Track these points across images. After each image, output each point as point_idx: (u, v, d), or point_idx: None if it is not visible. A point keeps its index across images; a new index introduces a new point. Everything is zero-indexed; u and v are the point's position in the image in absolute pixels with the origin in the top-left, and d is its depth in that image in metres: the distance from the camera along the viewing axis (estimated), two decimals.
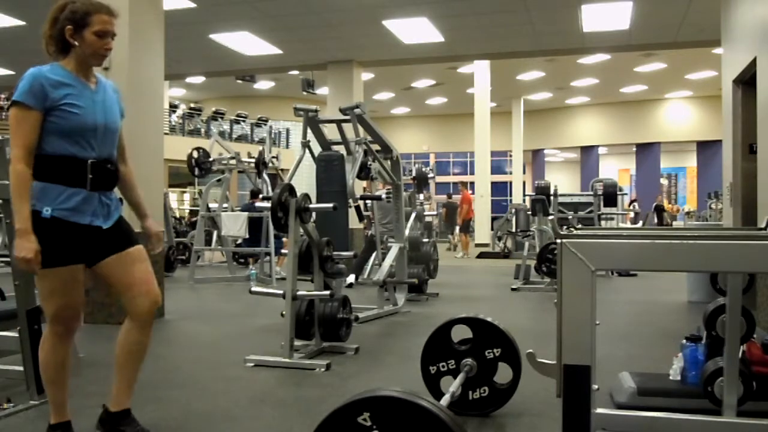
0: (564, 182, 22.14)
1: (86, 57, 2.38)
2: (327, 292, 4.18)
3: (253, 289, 4.52)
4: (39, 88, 2.25)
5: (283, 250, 7.87)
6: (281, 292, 4.17)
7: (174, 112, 21.00)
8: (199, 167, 9.40)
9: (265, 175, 9.57)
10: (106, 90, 2.48)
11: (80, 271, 2.41)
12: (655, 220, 18.45)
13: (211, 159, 9.48)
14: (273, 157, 9.78)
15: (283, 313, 4.12)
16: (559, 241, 1.79)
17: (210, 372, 3.96)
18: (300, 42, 9.63)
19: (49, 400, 2.53)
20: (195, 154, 9.39)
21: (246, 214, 9.33)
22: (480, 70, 18.21)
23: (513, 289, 8.15)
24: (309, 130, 6.29)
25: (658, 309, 6.68)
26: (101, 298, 5.53)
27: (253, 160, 9.46)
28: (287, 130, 22.93)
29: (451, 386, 2.73)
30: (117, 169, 2.53)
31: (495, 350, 2.95)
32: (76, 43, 2.35)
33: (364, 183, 9.92)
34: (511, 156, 23.80)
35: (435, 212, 17.50)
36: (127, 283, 2.47)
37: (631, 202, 20.61)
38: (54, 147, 2.30)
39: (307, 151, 6.61)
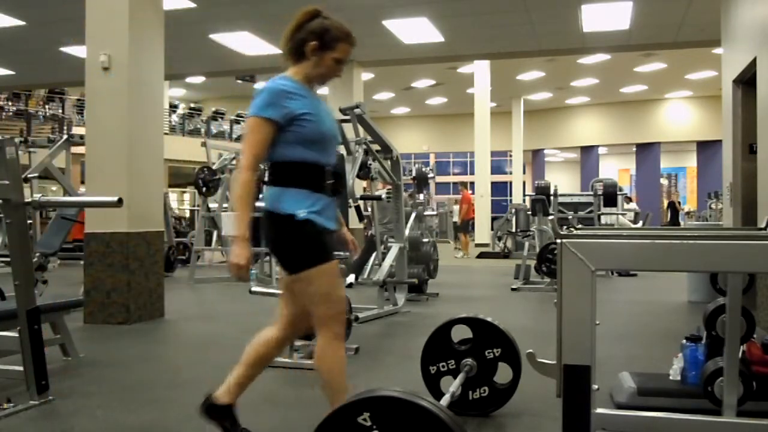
0: (564, 182, 22.13)
1: (316, 75, 2.39)
2: None
3: (253, 288, 4.51)
4: (278, 100, 2.27)
5: None
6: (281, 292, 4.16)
7: (174, 112, 21.01)
8: (206, 186, 9.42)
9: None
10: (320, 100, 2.49)
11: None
12: (669, 218, 18.11)
13: (217, 177, 9.51)
14: None
15: None
16: (559, 241, 1.79)
17: (210, 372, 3.96)
18: None
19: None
20: (201, 174, 9.41)
21: None
22: (480, 70, 18.21)
23: (513, 289, 8.15)
24: None
25: (658, 309, 6.68)
26: (101, 298, 5.54)
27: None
28: None
29: (451, 386, 2.73)
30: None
31: (495, 350, 2.95)
32: (314, 59, 2.36)
33: (364, 183, 9.92)
34: (511, 156, 23.80)
35: (434, 212, 17.49)
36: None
37: (626, 199, 20.46)
38: (298, 154, 2.31)
39: None
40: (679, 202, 19.50)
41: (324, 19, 2.38)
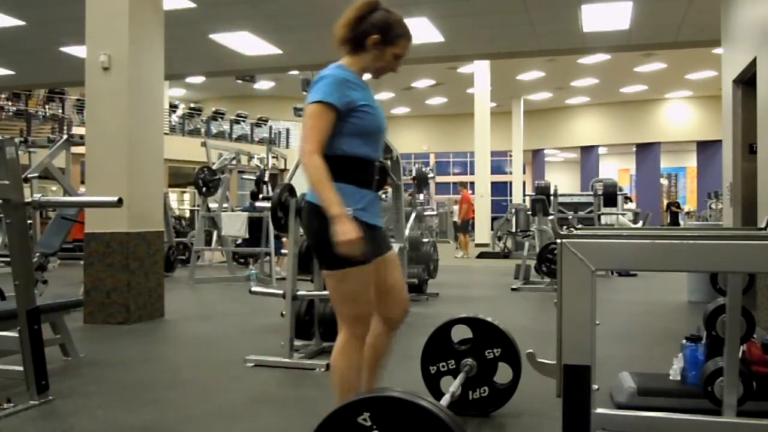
0: (564, 182, 22.14)
1: (373, 68, 2.38)
2: (327, 292, 4.17)
3: (253, 289, 4.51)
4: (341, 88, 2.25)
5: (282, 250, 7.88)
6: (281, 292, 4.17)
7: (174, 112, 21.01)
8: (206, 186, 9.43)
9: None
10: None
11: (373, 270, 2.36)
12: (668, 220, 18.03)
13: (217, 177, 9.52)
14: (273, 157, 9.80)
15: (283, 313, 4.12)
16: (559, 241, 1.79)
17: (210, 372, 3.96)
18: (300, 42, 9.62)
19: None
20: (201, 174, 9.42)
21: (246, 214, 9.34)
22: (480, 70, 18.21)
23: (513, 289, 8.15)
24: None
25: (658, 309, 6.68)
26: (101, 298, 5.54)
27: (252, 164, 9.53)
28: (287, 130, 22.93)
29: (451, 386, 2.73)
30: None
31: (495, 350, 2.95)
32: (374, 52, 2.34)
33: None
34: (511, 156, 23.81)
35: (434, 212, 17.49)
36: (386, 289, 2.44)
37: (625, 199, 20.36)
38: (351, 147, 2.28)
39: None
40: (678, 203, 19.42)
41: (386, 12, 2.36)
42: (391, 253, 2.48)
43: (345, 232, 2.12)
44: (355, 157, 2.29)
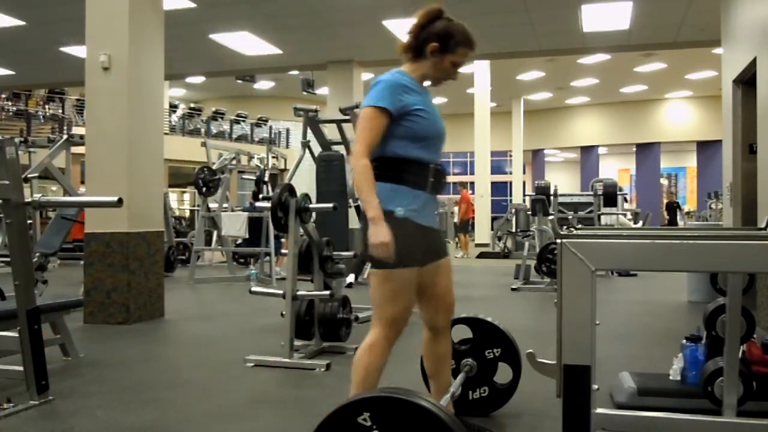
0: (564, 182, 22.13)
1: (431, 75, 2.42)
2: (327, 292, 4.18)
3: (253, 289, 4.51)
4: (395, 92, 2.29)
5: (283, 250, 7.88)
6: (281, 292, 4.17)
7: (174, 112, 21.00)
8: (206, 186, 9.43)
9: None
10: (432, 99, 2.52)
11: (417, 273, 2.37)
12: (666, 220, 17.93)
13: (217, 177, 9.52)
14: (273, 157, 9.80)
15: (283, 313, 4.12)
16: (559, 241, 1.79)
17: (210, 372, 3.96)
18: (300, 42, 9.63)
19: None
20: (201, 174, 9.41)
21: (246, 214, 9.35)
22: (480, 70, 18.20)
23: (513, 289, 8.15)
24: (309, 130, 6.29)
25: (658, 309, 6.68)
26: (101, 298, 5.54)
27: (252, 164, 9.53)
28: (287, 130, 22.92)
29: (451, 386, 2.73)
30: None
31: (495, 350, 2.95)
32: (433, 60, 2.38)
33: None
34: (511, 156, 23.79)
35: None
36: (433, 294, 2.47)
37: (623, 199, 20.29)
38: (404, 150, 2.32)
39: (307, 151, 6.61)
40: (677, 203, 19.34)
41: (448, 21, 2.39)
42: (446, 259, 2.51)
43: (378, 234, 2.18)
44: (409, 159, 2.34)
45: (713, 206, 15.12)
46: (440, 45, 2.35)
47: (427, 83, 2.46)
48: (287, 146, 22.07)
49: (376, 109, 2.28)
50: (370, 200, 2.22)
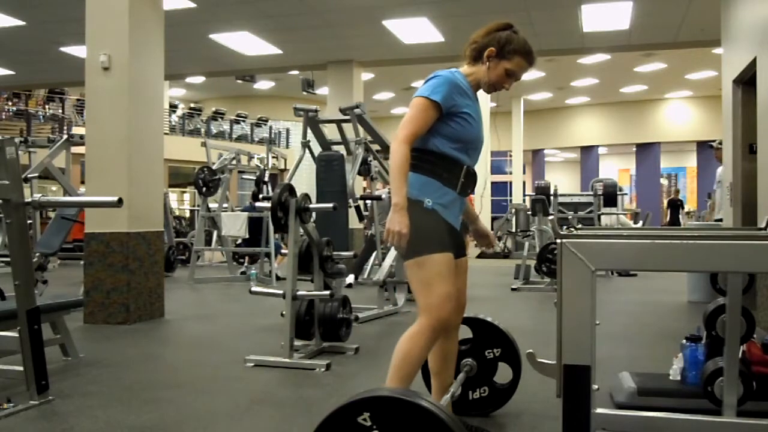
0: (564, 182, 22.13)
1: (484, 80, 2.47)
2: (327, 292, 4.18)
3: (253, 289, 4.51)
4: (450, 90, 2.33)
5: (282, 250, 7.88)
6: (281, 292, 4.17)
7: (174, 112, 21.00)
8: (206, 186, 9.43)
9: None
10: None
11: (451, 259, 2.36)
12: (668, 218, 17.79)
13: (217, 177, 9.52)
14: (273, 157, 9.80)
15: (283, 313, 4.12)
16: (559, 241, 1.79)
17: (210, 372, 3.96)
18: (300, 42, 9.63)
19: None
20: (201, 174, 9.42)
21: (246, 214, 9.35)
22: None
23: (513, 289, 8.15)
24: (309, 130, 6.29)
25: (658, 309, 6.68)
26: (101, 298, 5.54)
27: (252, 164, 9.53)
28: (287, 130, 22.91)
29: (451, 386, 2.73)
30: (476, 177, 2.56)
31: (495, 350, 2.95)
32: (487, 65, 2.43)
33: (364, 183, 9.92)
34: (511, 156, 23.78)
35: None
36: None
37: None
38: (443, 147, 2.36)
39: (307, 151, 6.61)
40: (680, 201, 19.22)
41: (512, 32, 2.43)
42: (465, 259, 2.53)
43: (395, 222, 2.20)
44: (446, 155, 2.37)
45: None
46: (497, 50, 2.39)
47: (479, 91, 2.50)
48: (287, 146, 22.06)
49: (428, 101, 2.30)
50: (399, 186, 2.23)
